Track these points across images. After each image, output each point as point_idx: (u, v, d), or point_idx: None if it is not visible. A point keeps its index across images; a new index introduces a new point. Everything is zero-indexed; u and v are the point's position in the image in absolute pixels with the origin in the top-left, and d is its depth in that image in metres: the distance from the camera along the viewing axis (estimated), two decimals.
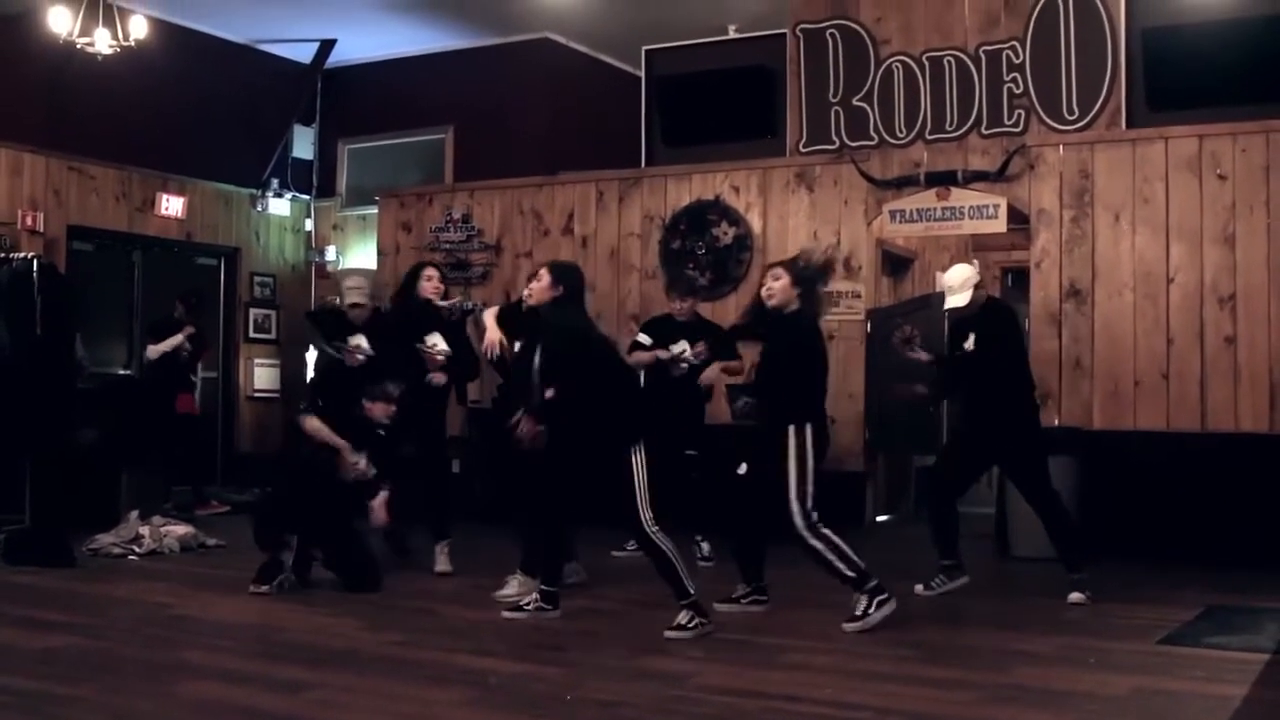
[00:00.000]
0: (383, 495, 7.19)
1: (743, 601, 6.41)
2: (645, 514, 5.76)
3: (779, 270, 6.19)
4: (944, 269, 12.30)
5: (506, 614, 6.20)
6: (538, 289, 6.21)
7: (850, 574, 5.95)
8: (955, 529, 7.10)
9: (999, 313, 7.18)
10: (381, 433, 7.34)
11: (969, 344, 7.01)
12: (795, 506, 5.95)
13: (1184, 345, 8.83)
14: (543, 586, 6.22)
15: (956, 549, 7.08)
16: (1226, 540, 8.15)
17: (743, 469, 6.28)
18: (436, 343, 7.73)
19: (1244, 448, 8.44)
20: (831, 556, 5.95)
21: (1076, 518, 8.13)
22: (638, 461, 5.77)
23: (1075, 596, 6.68)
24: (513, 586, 6.69)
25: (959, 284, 7.01)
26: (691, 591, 5.76)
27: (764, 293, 6.17)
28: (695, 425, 8.35)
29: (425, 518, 7.90)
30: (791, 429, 5.99)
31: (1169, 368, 8.86)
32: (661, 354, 8.23)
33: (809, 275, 6.19)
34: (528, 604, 6.21)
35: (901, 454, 11.00)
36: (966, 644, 5.82)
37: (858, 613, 5.92)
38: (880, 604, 5.92)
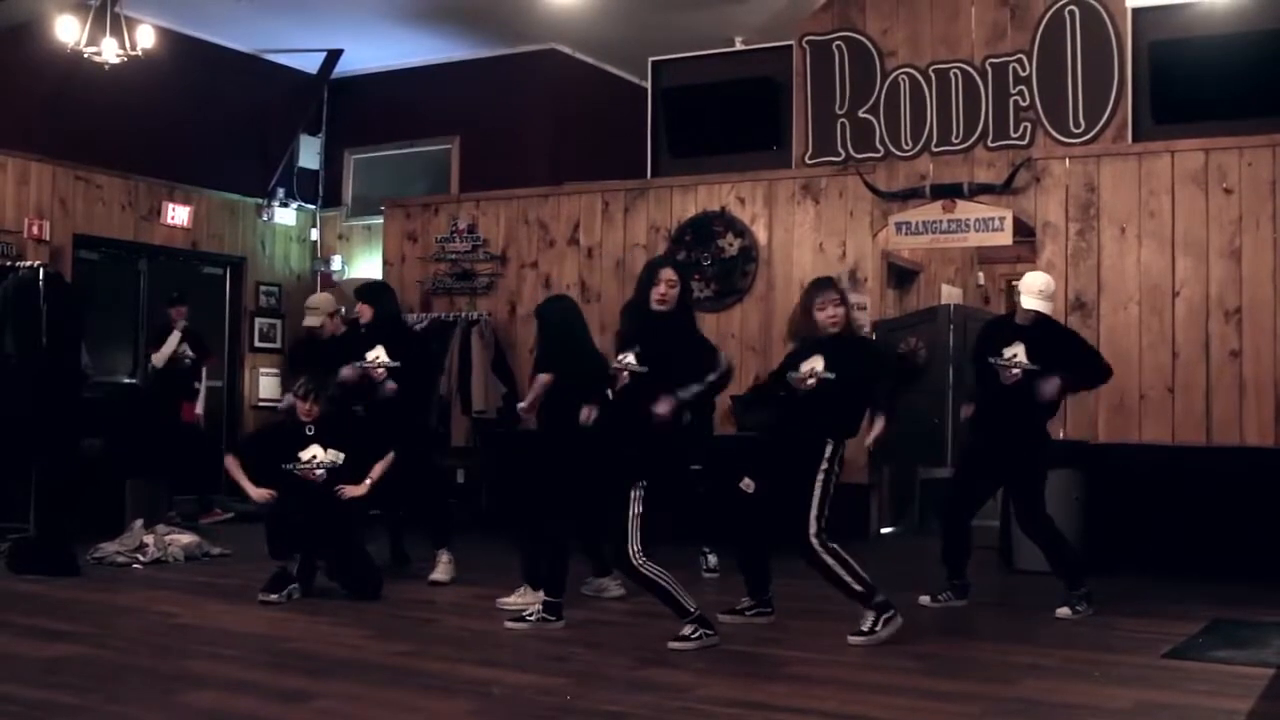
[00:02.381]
0: (353, 489, 7.20)
1: (747, 614, 6.41)
2: (633, 547, 5.71)
3: (837, 296, 6.15)
4: (949, 281, 12.36)
5: (509, 624, 6.20)
6: (672, 295, 5.94)
7: (858, 589, 5.94)
8: (966, 547, 7.09)
9: (1059, 332, 7.13)
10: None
11: (1015, 352, 6.88)
12: (813, 522, 5.94)
13: (1189, 358, 8.82)
14: (546, 598, 6.22)
15: (965, 569, 7.07)
16: (1232, 554, 8.13)
17: (749, 485, 6.24)
18: (378, 355, 7.80)
19: (1249, 461, 8.43)
20: (841, 571, 5.94)
21: (1081, 531, 8.13)
22: (636, 494, 5.73)
23: (1062, 611, 6.64)
24: (516, 595, 6.72)
25: (1048, 289, 6.97)
26: (692, 609, 5.75)
27: (829, 319, 6.09)
28: (700, 438, 8.32)
29: (422, 526, 7.97)
30: (830, 445, 5.99)
31: (1174, 381, 8.86)
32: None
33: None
34: (530, 615, 6.22)
35: (906, 466, 10.99)
36: (971, 656, 5.81)
37: (865, 628, 5.91)
38: (887, 621, 5.92)
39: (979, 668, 5.53)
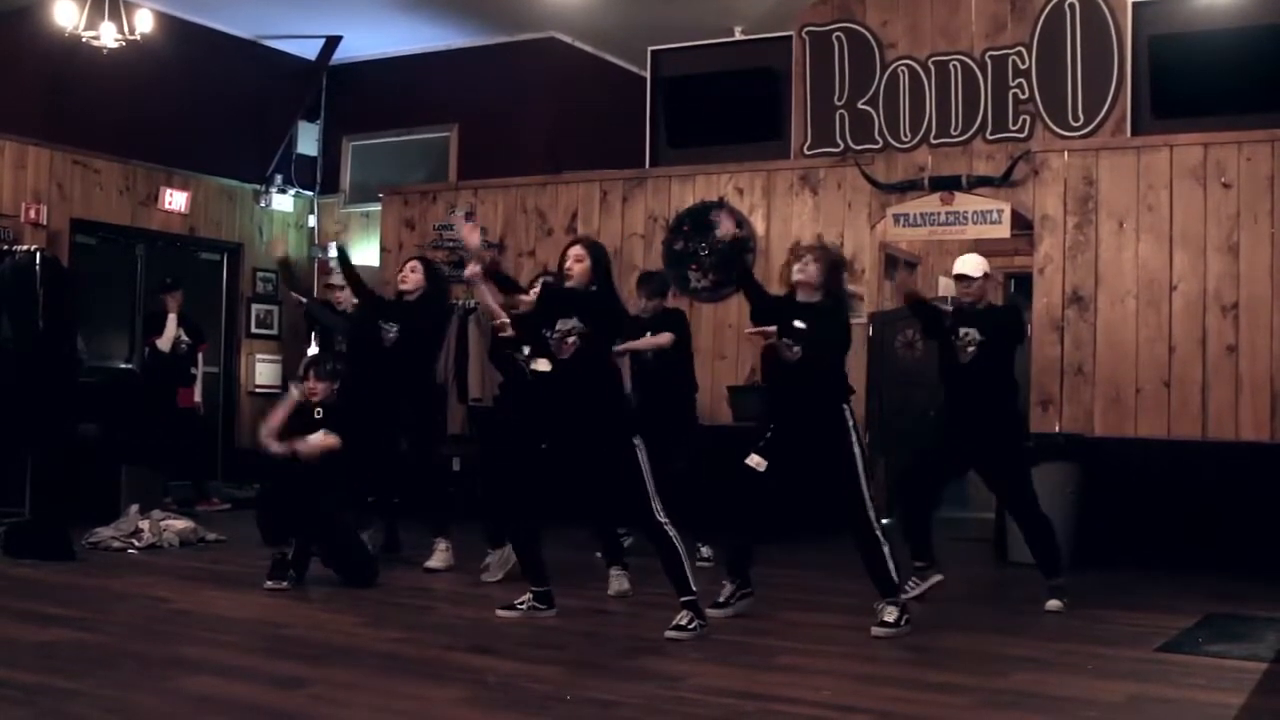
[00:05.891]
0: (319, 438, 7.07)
1: (734, 601, 6.34)
2: (655, 504, 5.75)
3: (806, 255, 6.18)
4: (946, 273, 12.35)
5: (500, 612, 6.18)
6: (579, 270, 5.95)
7: (896, 579, 5.99)
8: (928, 528, 7.01)
9: (1006, 312, 7.15)
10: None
11: (969, 337, 6.89)
12: (866, 492, 5.95)
13: (1186, 353, 8.83)
14: (532, 588, 6.21)
15: (929, 548, 6.97)
16: (1226, 548, 8.15)
17: (761, 464, 6.10)
18: (390, 329, 7.84)
19: (1244, 456, 8.44)
20: (889, 556, 5.96)
21: (1076, 524, 8.15)
22: (641, 454, 5.76)
23: (1053, 604, 6.63)
24: (493, 559, 6.88)
25: (972, 266, 7.05)
26: (694, 589, 5.76)
27: (798, 276, 6.11)
28: (680, 423, 8.20)
29: (421, 513, 7.97)
30: (847, 409, 6.03)
31: (1170, 375, 8.86)
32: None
33: (837, 262, 6.29)
34: (521, 603, 6.19)
35: (902, 458, 10.97)
36: (964, 648, 5.81)
37: (889, 620, 5.90)
38: (909, 619, 5.95)
39: (972, 659, 5.54)
